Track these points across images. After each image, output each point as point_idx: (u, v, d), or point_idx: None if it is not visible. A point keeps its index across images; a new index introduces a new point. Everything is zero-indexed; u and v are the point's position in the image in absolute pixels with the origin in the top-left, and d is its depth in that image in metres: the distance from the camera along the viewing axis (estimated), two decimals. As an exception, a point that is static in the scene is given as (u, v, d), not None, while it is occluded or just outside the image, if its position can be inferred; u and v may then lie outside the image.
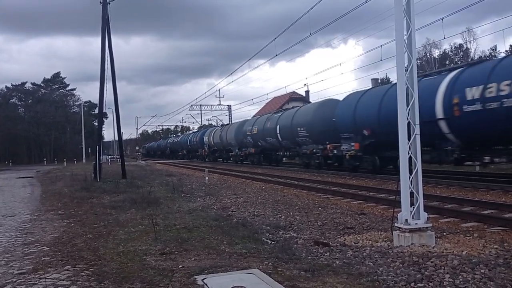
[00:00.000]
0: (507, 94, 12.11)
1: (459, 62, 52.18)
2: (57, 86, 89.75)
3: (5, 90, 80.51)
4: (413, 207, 6.50)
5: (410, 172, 6.50)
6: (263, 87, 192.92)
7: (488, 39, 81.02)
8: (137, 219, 9.14)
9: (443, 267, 5.17)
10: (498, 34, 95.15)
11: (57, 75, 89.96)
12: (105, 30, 20.87)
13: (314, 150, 23.59)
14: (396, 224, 6.59)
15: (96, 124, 50.84)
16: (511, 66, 12.60)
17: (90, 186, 16.81)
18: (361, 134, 18.88)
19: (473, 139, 14.19)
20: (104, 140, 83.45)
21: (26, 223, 9.48)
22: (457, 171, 19.04)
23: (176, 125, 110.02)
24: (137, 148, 78.29)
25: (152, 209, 10.49)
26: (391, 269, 5.22)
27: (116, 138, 42.34)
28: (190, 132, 72.37)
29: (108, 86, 21.37)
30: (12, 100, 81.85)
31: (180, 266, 5.43)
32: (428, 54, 53.32)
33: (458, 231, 7.56)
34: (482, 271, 4.99)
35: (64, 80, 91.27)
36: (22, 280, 5.16)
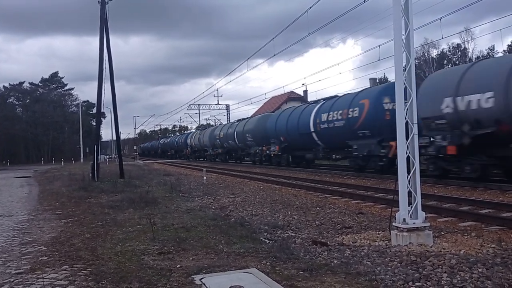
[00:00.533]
0: (338, 119, 20.87)
1: (457, 62, 52.35)
2: (55, 86, 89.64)
3: (3, 89, 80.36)
4: (411, 207, 6.51)
5: (408, 171, 6.51)
6: (261, 87, 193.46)
7: (487, 39, 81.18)
8: (135, 219, 9.14)
9: (441, 266, 5.18)
10: (496, 34, 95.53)
11: (55, 75, 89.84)
12: (103, 30, 20.85)
13: (257, 151, 32.10)
14: (394, 224, 6.59)
15: (94, 123, 50.85)
16: (341, 103, 21.12)
17: (88, 186, 16.79)
18: (280, 140, 27.40)
19: (328, 144, 22.73)
20: (102, 140, 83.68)
21: (24, 223, 9.46)
22: (457, 170, 19.03)
23: (174, 125, 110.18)
24: (134, 148, 79.29)
25: (150, 209, 10.49)
26: (389, 268, 5.22)
27: (114, 138, 42.62)
28: (178, 134, 79.91)
29: (107, 86, 21.41)
30: (10, 100, 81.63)
31: (178, 265, 5.42)
32: (426, 54, 53.38)
33: (456, 230, 7.57)
34: (480, 270, 5.00)
35: (62, 79, 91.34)
36: (20, 280, 5.15)
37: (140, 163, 51.69)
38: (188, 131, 69.02)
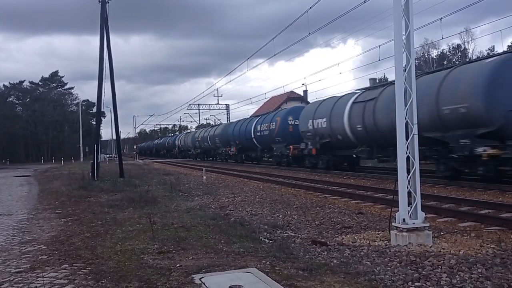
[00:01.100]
0: (265, 130, 29.51)
1: (457, 62, 52.31)
2: (55, 85, 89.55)
3: (3, 88, 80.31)
4: (411, 207, 6.51)
5: (408, 171, 6.51)
6: (261, 87, 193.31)
7: (487, 39, 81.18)
8: (134, 218, 9.14)
9: (440, 267, 5.18)
10: (496, 35, 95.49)
11: (55, 74, 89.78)
12: (104, 29, 20.84)
13: (223, 151, 41.18)
14: (393, 224, 6.60)
15: (94, 123, 50.95)
16: (266, 119, 29.19)
17: (88, 185, 16.79)
18: (236, 143, 36.45)
19: (262, 147, 31.10)
20: (102, 139, 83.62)
21: (24, 222, 9.46)
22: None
23: (174, 124, 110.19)
24: (134, 147, 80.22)
25: (150, 208, 10.49)
26: (389, 268, 5.23)
27: (114, 137, 43.00)
28: (172, 135, 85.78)
29: (107, 85, 21.40)
30: (10, 99, 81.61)
31: (178, 265, 5.43)
32: (426, 54, 53.43)
33: (456, 230, 7.57)
34: (479, 270, 5.00)
35: (62, 79, 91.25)
36: (20, 278, 5.15)
37: (140, 162, 51.72)
38: (177, 133, 77.92)
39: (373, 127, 17.91)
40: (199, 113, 77.32)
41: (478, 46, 70.87)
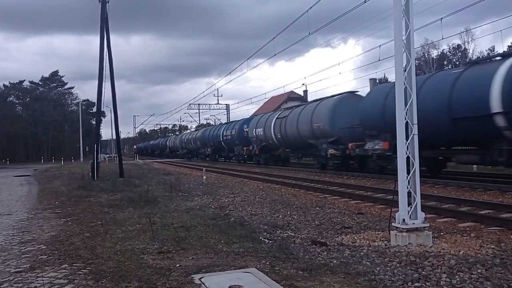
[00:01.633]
0: (230, 134, 39.81)
1: (457, 63, 52.33)
2: (55, 85, 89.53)
3: (3, 88, 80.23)
4: (411, 207, 6.51)
5: (408, 172, 6.51)
6: (262, 87, 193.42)
7: (488, 39, 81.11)
8: (134, 218, 9.14)
9: (440, 267, 5.18)
10: (497, 35, 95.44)
11: (55, 74, 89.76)
12: (104, 29, 20.83)
13: (201, 151, 50.11)
14: (393, 224, 6.60)
15: (94, 122, 51.03)
16: (230, 126, 39.80)
17: (88, 185, 16.78)
18: (211, 145, 45.17)
19: (229, 148, 40.28)
20: (102, 139, 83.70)
21: (23, 222, 9.46)
22: (455, 171, 19.08)
23: (174, 124, 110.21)
24: (134, 147, 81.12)
25: (150, 208, 10.49)
26: (388, 268, 5.23)
27: (114, 137, 43.22)
28: (161, 137, 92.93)
29: (107, 85, 21.38)
30: (10, 99, 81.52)
31: (178, 265, 5.43)
32: (426, 55, 53.40)
33: (455, 231, 7.57)
34: (479, 271, 5.00)
35: (62, 78, 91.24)
36: (19, 278, 5.15)
37: (139, 162, 51.73)
38: (170, 135, 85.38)
39: (285, 136, 26.85)
40: (199, 113, 77.56)
41: (478, 46, 71.01)
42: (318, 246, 6.54)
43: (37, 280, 5.02)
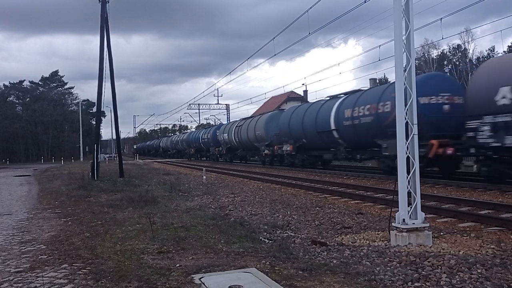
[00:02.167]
0: (206, 139, 48.56)
1: (457, 63, 52.35)
2: (55, 85, 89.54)
3: (3, 88, 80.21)
4: (411, 207, 6.51)
5: (408, 172, 6.51)
6: (262, 86, 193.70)
7: (488, 39, 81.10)
8: (134, 218, 9.14)
9: (440, 267, 5.18)
10: (497, 35, 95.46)
11: (55, 73, 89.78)
12: (104, 29, 20.83)
13: (187, 151, 57.96)
14: (393, 224, 6.60)
15: (94, 122, 51.08)
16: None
17: (88, 185, 16.78)
18: (193, 146, 53.88)
19: (208, 148, 48.85)
20: (102, 139, 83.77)
21: (23, 222, 9.46)
22: (455, 171, 19.06)
23: (174, 124, 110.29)
24: (134, 147, 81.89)
25: (150, 208, 10.49)
26: (388, 268, 5.23)
27: (114, 137, 43.42)
28: (157, 138, 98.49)
29: (107, 85, 21.40)
30: (10, 98, 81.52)
31: (178, 265, 5.43)
32: (426, 55, 53.38)
33: (455, 231, 7.57)
34: (479, 271, 5.00)
35: (63, 78, 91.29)
36: (19, 278, 5.15)
37: (139, 162, 51.75)
38: (163, 136, 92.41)
39: (241, 140, 35.69)
40: (199, 113, 77.68)
41: (478, 46, 70.99)
42: (318, 246, 6.54)
43: (37, 280, 5.02)
